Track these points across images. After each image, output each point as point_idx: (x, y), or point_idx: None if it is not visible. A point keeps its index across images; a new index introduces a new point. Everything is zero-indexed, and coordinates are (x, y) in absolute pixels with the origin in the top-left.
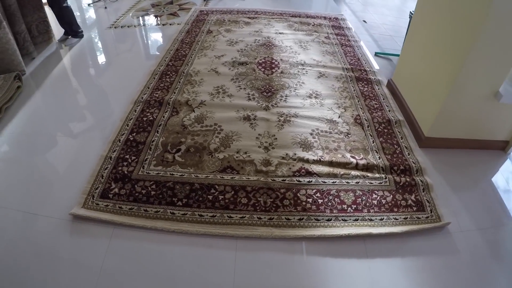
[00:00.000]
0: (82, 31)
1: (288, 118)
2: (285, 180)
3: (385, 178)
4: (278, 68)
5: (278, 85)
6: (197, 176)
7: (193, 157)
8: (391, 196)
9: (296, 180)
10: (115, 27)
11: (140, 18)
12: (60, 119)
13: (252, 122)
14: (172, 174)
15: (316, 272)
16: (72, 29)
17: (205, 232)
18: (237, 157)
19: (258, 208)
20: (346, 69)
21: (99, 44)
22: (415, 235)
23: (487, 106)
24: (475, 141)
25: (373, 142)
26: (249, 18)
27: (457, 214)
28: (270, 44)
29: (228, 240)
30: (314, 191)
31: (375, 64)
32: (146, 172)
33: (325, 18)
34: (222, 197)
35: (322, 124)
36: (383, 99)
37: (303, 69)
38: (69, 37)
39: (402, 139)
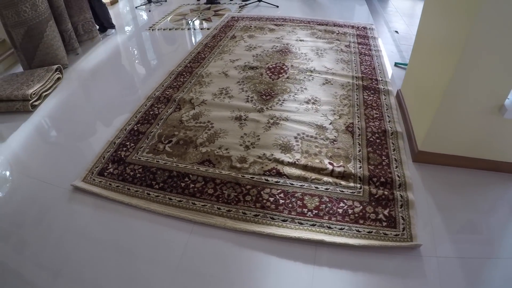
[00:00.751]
0: (114, 24)
1: (277, 121)
2: (254, 177)
3: (360, 188)
4: (286, 74)
5: (280, 89)
6: (177, 165)
7: (180, 149)
8: (361, 207)
9: (264, 179)
10: (152, 30)
11: (176, 22)
12: (85, 109)
13: (242, 122)
14: (158, 162)
15: (257, 268)
16: (109, 23)
17: (169, 214)
18: (217, 152)
19: (220, 199)
20: (356, 77)
21: (135, 44)
22: (378, 252)
23: (491, 122)
24: (479, 160)
25: (359, 151)
26: (275, 25)
27: (437, 237)
28: (286, 50)
29: (186, 224)
30: (278, 191)
31: (390, 74)
32: (138, 158)
33: (352, 27)
34: (193, 185)
35: (310, 129)
36: (386, 109)
37: (310, 75)
38: (107, 30)
39: (394, 151)
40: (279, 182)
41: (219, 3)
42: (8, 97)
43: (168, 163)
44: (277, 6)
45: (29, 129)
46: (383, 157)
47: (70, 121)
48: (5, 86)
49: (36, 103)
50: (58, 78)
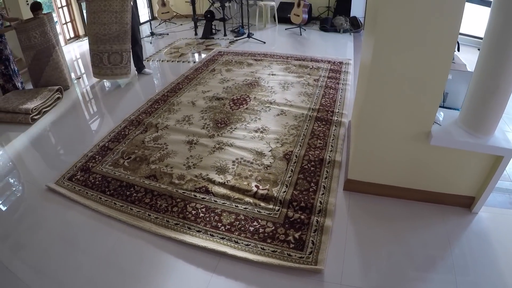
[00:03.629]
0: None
1: (222, 146)
2: (185, 193)
3: (277, 210)
4: (246, 105)
5: (236, 118)
6: (128, 177)
7: (135, 164)
8: (273, 228)
9: (193, 194)
10: (147, 60)
11: (170, 55)
12: (74, 126)
13: (192, 146)
14: (114, 173)
15: (164, 268)
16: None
17: (110, 215)
18: (162, 170)
19: (153, 208)
20: (313, 109)
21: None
22: (280, 272)
23: (419, 149)
24: (412, 190)
25: (289, 177)
26: (254, 60)
27: (346, 265)
28: (255, 83)
29: (121, 224)
30: (202, 206)
31: (349, 107)
32: (101, 169)
33: (329, 62)
34: (136, 195)
35: (249, 155)
36: (332, 140)
37: (268, 107)
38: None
39: (326, 179)
40: (205, 198)
41: (213, 38)
42: (13, 109)
43: (122, 175)
44: (264, 42)
45: (26, 138)
46: (312, 184)
47: (60, 135)
48: (13, 100)
49: (36, 117)
50: (58, 98)
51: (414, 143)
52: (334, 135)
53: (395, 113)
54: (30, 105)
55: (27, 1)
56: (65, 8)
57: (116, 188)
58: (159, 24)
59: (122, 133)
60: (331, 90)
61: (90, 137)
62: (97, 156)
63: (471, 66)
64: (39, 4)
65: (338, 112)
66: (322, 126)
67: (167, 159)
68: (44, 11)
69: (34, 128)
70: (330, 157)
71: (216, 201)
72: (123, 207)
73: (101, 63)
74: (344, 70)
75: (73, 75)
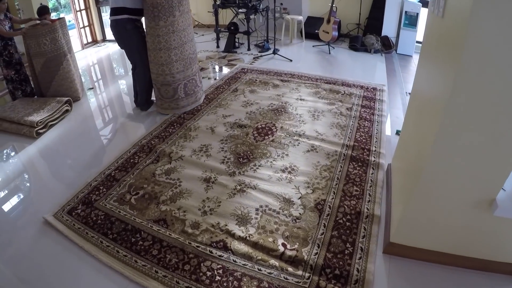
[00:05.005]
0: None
1: (244, 188)
2: (199, 246)
3: (308, 278)
4: (272, 136)
5: (260, 153)
6: (135, 219)
7: (143, 203)
8: None
9: (209, 250)
10: None
11: None
12: (81, 145)
13: (209, 185)
14: (119, 212)
15: None
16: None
17: (111, 266)
18: (174, 213)
19: (161, 263)
20: (347, 146)
21: None
22: None
23: (479, 219)
24: (464, 258)
25: (321, 234)
26: (281, 80)
27: None
28: (282, 109)
29: (123, 279)
30: (219, 266)
31: (387, 144)
32: (104, 205)
33: (362, 87)
34: (141, 243)
35: (275, 202)
36: (370, 186)
37: (297, 140)
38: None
39: (363, 238)
40: (222, 256)
41: (236, 52)
42: (18, 120)
43: (127, 215)
44: (291, 60)
45: (28, 156)
46: (348, 245)
47: (64, 154)
48: (20, 109)
49: (41, 131)
50: (67, 110)
51: (474, 211)
52: (371, 180)
53: (462, 169)
54: (36, 117)
55: (41, 3)
56: (83, 12)
57: (120, 231)
58: None
59: (131, 160)
60: (366, 122)
61: (96, 161)
62: (101, 187)
63: None
64: (47, 8)
65: (375, 151)
66: (358, 168)
67: (180, 200)
68: (61, 15)
69: (38, 144)
70: (368, 209)
71: (235, 261)
72: (127, 257)
73: (175, 95)
74: (378, 98)
75: (88, 83)
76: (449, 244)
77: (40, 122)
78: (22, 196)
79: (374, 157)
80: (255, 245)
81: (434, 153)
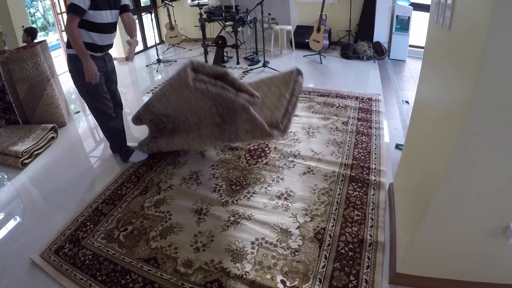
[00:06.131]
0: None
1: (238, 220)
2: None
3: None
4: (266, 158)
5: (253, 178)
6: (124, 258)
7: (132, 240)
8: None
9: None
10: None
11: None
12: (67, 175)
13: (200, 217)
14: (108, 251)
15: None
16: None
17: None
18: (165, 251)
19: None
20: (345, 165)
21: (129, 110)
22: None
23: (493, 246)
24: (475, 284)
25: (322, 267)
26: None
27: None
28: None
29: None
30: None
31: (387, 160)
32: (92, 243)
33: (356, 98)
34: (132, 285)
35: (272, 233)
36: (372, 209)
37: (292, 161)
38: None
39: (367, 268)
40: None
41: (225, 66)
42: (3, 151)
43: (116, 254)
44: None
45: (15, 187)
46: (351, 277)
47: (50, 186)
48: (5, 138)
49: (26, 161)
50: (52, 137)
51: (487, 238)
52: (373, 202)
53: (480, 192)
54: (21, 147)
55: (22, 26)
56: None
57: (109, 273)
58: (167, 49)
59: (119, 192)
60: (364, 136)
61: (82, 192)
62: (88, 223)
63: None
64: (34, 30)
65: (375, 168)
66: (358, 189)
67: (171, 236)
68: (50, 33)
69: (24, 175)
70: (371, 236)
71: None
72: None
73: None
74: (374, 109)
75: (75, 107)
76: (459, 271)
77: (25, 152)
78: (7, 233)
79: (375, 176)
80: (252, 284)
81: (448, 175)
